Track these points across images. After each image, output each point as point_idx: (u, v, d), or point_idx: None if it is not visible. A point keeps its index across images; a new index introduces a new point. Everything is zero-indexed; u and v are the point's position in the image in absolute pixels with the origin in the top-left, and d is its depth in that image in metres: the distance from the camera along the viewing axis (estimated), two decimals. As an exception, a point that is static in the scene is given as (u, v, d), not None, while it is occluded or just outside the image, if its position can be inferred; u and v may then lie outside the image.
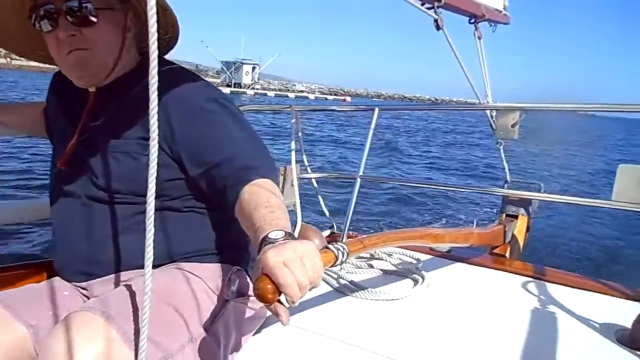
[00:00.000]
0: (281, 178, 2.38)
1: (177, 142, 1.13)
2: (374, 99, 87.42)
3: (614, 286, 1.86)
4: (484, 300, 1.74)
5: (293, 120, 2.47)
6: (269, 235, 0.88)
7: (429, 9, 1.95)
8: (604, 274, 3.57)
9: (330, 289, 1.77)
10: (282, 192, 2.38)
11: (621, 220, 6.64)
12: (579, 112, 2.04)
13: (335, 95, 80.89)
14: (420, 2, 1.93)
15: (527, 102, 2.35)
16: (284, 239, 0.86)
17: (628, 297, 1.77)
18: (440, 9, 1.98)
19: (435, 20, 1.97)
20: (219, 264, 1.23)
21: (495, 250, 2.35)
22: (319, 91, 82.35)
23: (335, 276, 1.84)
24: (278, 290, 0.79)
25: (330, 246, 1.01)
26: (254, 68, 69.29)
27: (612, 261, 5.37)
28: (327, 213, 2.64)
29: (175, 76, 1.16)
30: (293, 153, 2.39)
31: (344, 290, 1.73)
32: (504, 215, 2.49)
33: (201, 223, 1.23)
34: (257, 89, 68.19)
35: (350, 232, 2.38)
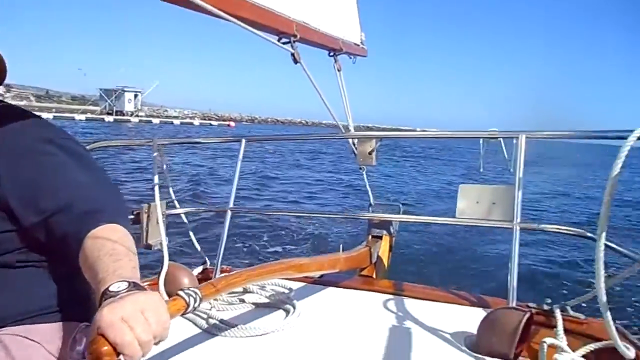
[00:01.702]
0: (145, 216, 2.25)
1: (4, 189, 1.01)
2: (245, 123, 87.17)
3: (463, 295, 2.06)
4: (350, 322, 1.80)
5: (155, 154, 2.35)
6: (110, 288, 0.82)
7: (285, 43, 2.01)
8: (456, 283, 3.94)
9: (199, 330, 1.69)
10: (147, 231, 2.25)
11: (465, 233, 7.43)
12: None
13: (217, 120, 79.68)
14: (277, 38, 1.98)
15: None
16: (127, 291, 0.81)
17: (474, 305, 1.97)
18: (296, 43, 2.05)
19: (292, 54, 2.04)
20: (61, 323, 1.12)
21: (364, 272, 2.46)
22: (191, 116, 79.96)
23: (205, 316, 1.77)
24: (115, 350, 0.74)
25: (180, 293, 0.97)
26: (136, 95, 66.62)
27: (461, 271, 5.99)
28: (198, 248, 2.54)
29: (2, 116, 1.04)
30: (157, 188, 2.27)
31: (212, 330, 1.67)
32: (370, 237, 2.63)
33: (40, 278, 1.11)
34: (142, 116, 65.41)
35: (224, 267, 2.32)
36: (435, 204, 12.00)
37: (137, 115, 64.14)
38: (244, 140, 2.52)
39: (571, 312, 1.79)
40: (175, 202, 2.53)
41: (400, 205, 2.78)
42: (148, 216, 2.25)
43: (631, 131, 1.29)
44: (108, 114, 62.14)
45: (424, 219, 2.38)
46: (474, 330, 1.60)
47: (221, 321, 1.73)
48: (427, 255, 6.44)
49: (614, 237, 1.62)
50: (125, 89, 65.38)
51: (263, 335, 1.65)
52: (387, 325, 1.76)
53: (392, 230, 2.66)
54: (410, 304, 1.98)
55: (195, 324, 1.73)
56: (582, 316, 1.77)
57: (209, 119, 79.55)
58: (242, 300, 1.96)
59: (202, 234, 4.47)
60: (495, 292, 2.07)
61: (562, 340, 1.50)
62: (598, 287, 1.24)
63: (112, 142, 2.59)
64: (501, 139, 2.19)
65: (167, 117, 72.92)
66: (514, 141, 2.01)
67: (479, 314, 1.78)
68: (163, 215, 2.29)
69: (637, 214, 12.22)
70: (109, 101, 64.36)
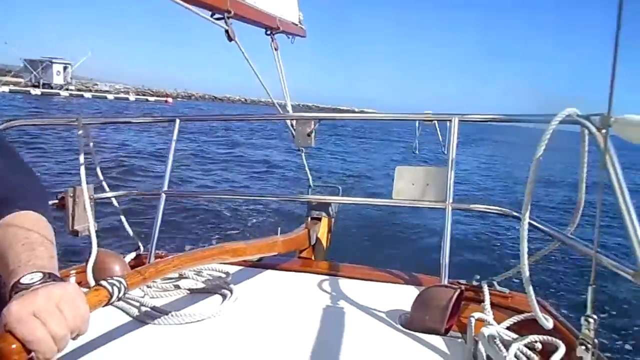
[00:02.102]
0: (70, 201, 2.11)
1: None
2: (181, 100, 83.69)
3: (398, 274, 2.12)
4: (287, 304, 1.80)
5: (80, 132, 2.20)
6: (22, 280, 0.76)
7: (218, 19, 1.92)
8: (394, 262, 4.06)
9: (130, 318, 1.62)
10: (73, 216, 2.13)
11: (403, 213, 7.67)
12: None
13: (152, 95, 75.92)
14: (210, 14, 1.89)
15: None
16: (41, 283, 0.76)
17: (408, 283, 2.03)
18: (230, 19, 1.97)
19: (227, 31, 1.96)
20: None
21: (303, 254, 2.46)
22: (125, 91, 75.27)
23: (137, 304, 1.70)
24: (26, 348, 0.68)
25: (103, 282, 0.91)
26: (65, 67, 61.57)
27: (399, 249, 6.21)
28: (131, 233, 2.44)
29: None
30: (82, 170, 2.13)
31: (144, 318, 1.61)
32: (309, 219, 2.63)
33: None
34: (72, 90, 60.77)
35: (159, 252, 2.25)
36: (379, 181, 12.32)
37: (67, 89, 59.90)
38: (177, 120, 2.41)
39: (498, 287, 1.89)
40: (105, 185, 2.41)
41: (340, 187, 2.80)
42: (74, 200, 2.13)
43: (554, 115, 1.36)
44: (34, 86, 57.17)
45: (362, 200, 2.41)
46: (409, 308, 1.64)
47: (154, 308, 1.67)
48: (366, 236, 6.60)
49: (540, 215, 1.71)
50: (54, 60, 60.54)
51: (198, 321, 1.61)
52: (324, 306, 1.77)
53: (331, 211, 2.67)
54: (348, 284, 2.00)
55: (127, 313, 1.66)
56: (507, 291, 1.87)
57: (144, 95, 75.70)
58: (178, 287, 1.90)
59: (136, 219, 4.30)
60: (429, 269, 2.14)
61: (488, 314, 1.58)
62: (522, 263, 1.30)
63: (29, 121, 2.38)
64: (435, 122, 2.24)
65: (98, 91, 68.43)
66: (447, 124, 2.06)
67: (413, 292, 1.84)
68: (91, 199, 2.17)
69: (562, 192, 13.08)
70: (34, 73, 59.41)
